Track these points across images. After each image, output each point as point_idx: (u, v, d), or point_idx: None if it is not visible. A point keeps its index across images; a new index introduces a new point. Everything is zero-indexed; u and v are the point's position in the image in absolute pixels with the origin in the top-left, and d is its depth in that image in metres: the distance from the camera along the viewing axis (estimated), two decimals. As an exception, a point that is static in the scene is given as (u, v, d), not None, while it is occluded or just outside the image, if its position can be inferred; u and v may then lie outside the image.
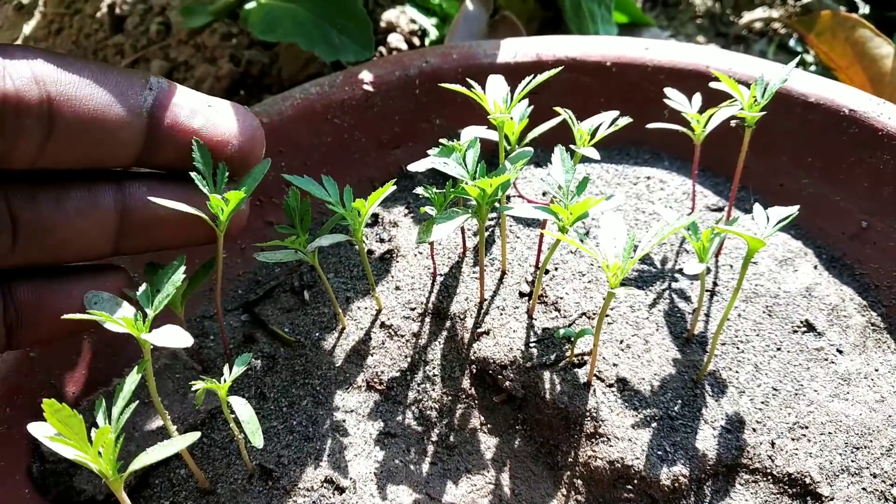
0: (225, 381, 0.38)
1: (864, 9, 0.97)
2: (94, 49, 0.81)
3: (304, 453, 0.43)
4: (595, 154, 0.42)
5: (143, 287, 0.37)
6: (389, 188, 0.41)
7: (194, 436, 0.34)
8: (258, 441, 0.37)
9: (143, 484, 0.43)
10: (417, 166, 0.43)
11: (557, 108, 0.43)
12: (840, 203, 0.52)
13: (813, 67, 0.87)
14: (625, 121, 0.43)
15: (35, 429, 0.32)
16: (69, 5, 0.86)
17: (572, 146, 0.43)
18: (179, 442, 0.34)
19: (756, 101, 0.42)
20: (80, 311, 0.35)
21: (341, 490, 0.41)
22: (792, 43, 0.92)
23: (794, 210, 0.40)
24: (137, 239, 0.40)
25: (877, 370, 0.45)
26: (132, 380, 0.34)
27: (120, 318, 0.35)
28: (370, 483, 0.42)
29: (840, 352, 0.45)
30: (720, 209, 0.53)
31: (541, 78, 0.42)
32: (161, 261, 0.41)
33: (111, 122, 0.36)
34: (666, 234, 0.36)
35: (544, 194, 0.54)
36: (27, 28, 0.91)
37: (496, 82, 0.45)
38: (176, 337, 0.35)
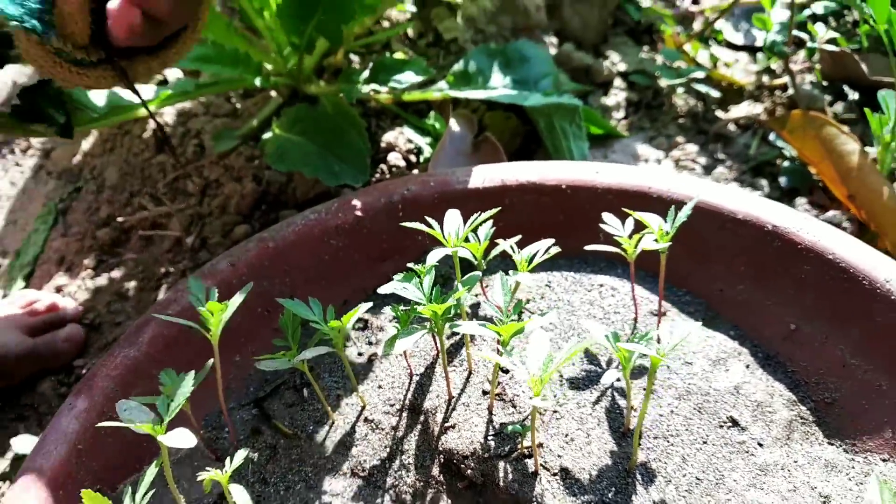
0: (226, 471, 0.47)
1: (853, 95, 1.04)
2: (140, 167, 0.95)
3: (294, 534, 0.51)
4: (529, 280, 0.50)
5: (160, 398, 0.47)
6: (359, 311, 0.50)
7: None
8: None
9: None
10: (386, 289, 0.52)
11: (498, 241, 0.52)
12: (771, 307, 0.58)
13: (789, 162, 0.94)
14: (555, 249, 0.51)
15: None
16: (120, 126, 1.01)
17: (511, 272, 0.52)
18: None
19: (666, 233, 0.50)
20: None
21: (321, 567, 0.49)
22: (772, 137, 0.99)
23: (693, 328, 0.47)
24: None
25: (795, 461, 0.50)
26: (151, 472, 0.43)
27: (143, 424, 0.44)
28: (347, 561, 0.49)
29: (761, 444, 0.51)
30: (664, 314, 0.60)
31: (486, 215, 0.52)
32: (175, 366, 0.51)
33: None
34: (578, 348, 0.44)
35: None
36: (86, 144, 1.06)
37: (452, 216, 0.54)
38: (183, 438, 0.44)
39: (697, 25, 1.20)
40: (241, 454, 0.48)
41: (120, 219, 0.94)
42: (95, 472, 0.54)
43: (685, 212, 0.51)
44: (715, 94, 0.97)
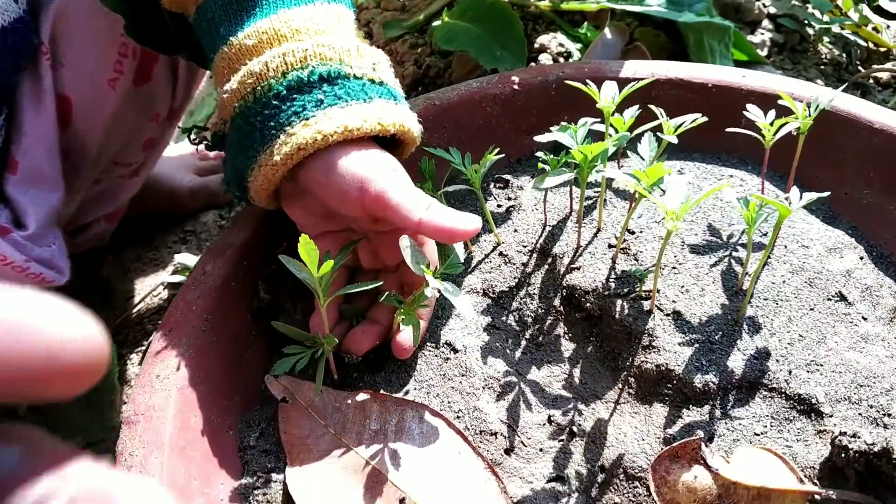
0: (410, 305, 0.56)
1: None
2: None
3: (433, 326, 0.60)
4: (674, 139, 0.56)
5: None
6: (496, 152, 0.59)
7: (378, 282, 0.52)
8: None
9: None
10: (542, 138, 0.60)
11: (651, 106, 0.58)
12: (893, 212, 0.62)
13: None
14: (701, 120, 0.57)
15: (284, 258, 0.51)
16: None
17: (661, 134, 0.58)
18: (369, 286, 0.52)
19: (809, 114, 0.55)
20: None
21: (455, 351, 0.57)
22: (914, 97, 0.99)
23: (823, 194, 0.52)
24: None
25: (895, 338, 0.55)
26: (352, 244, 0.52)
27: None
28: (476, 352, 0.58)
29: (864, 318, 0.56)
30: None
31: (641, 84, 0.58)
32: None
33: None
34: (712, 190, 0.50)
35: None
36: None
37: (609, 86, 0.61)
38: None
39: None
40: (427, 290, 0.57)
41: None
42: (276, 250, 0.65)
43: (827, 101, 0.55)
44: (862, 43, 0.98)
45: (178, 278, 0.84)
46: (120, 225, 0.88)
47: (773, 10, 1.04)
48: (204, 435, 0.52)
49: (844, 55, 1.01)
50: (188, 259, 0.92)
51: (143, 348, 0.85)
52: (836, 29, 0.97)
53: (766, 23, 1.03)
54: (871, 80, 0.98)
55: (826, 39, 1.01)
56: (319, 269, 0.49)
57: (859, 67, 1.00)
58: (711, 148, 0.71)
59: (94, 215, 0.84)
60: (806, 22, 1.01)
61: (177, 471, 0.48)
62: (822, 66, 0.99)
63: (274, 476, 0.51)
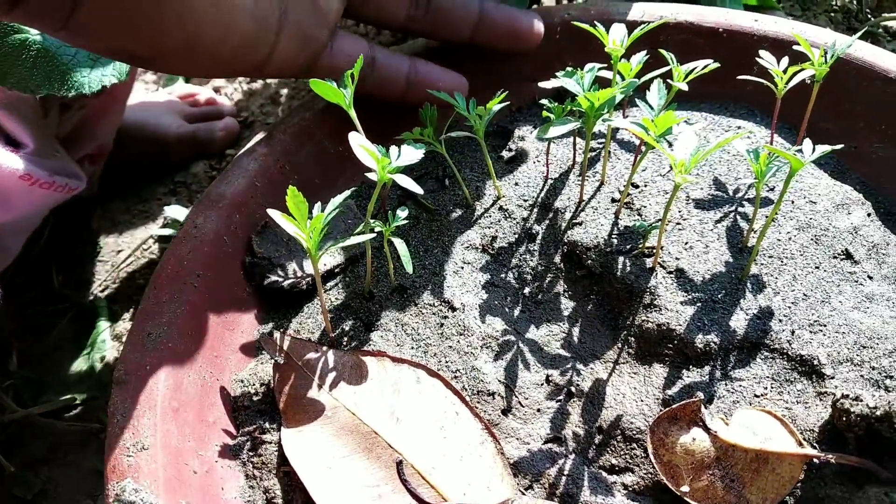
0: (389, 225, 0.54)
1: None
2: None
3: (431, 283, 0.58)
4: (684, 87, 0.54)
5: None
6: (503, 97, 0.56)
7: (372, 235, 0.50)
8: (410, 267, 0.53)
9: (326, 279, 0.60)
10: (546, 84, 0.57)
11: (662, 51, 0.55)
12: (904, 167, 0.60)
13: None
14: (714, 66, 0.54)
15: (272, 212, 0.50)
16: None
17: (669, 80, 0.55)
18: (362, 238, 0.50)
19: (825, 61, 0.52)
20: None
21: (454, 309, 0.56)
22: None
23: (836, 147, 0.50)
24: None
25: (901, 298, 0.54)
26: (343, 196, 0.50)
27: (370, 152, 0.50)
28: (475, 310, 0.57)
29: (870, 277, 0.55)
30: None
31: (650, 26, 0.55)
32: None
33: None
34: (722, 142, 0.48)
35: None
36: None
37: (617, 28, 0.58)
38: (409, 184, 0.50)
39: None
40: (402, 209, 0.55)
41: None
42: (269, 204, 0.63)
43: (845, 46, 0.53)
44: (875, -11, 0.94)
45: (168, 231, 0.82)
46: (107, 176, 0.85)
47: (785, -51, 0.99)
48: (197, 395, 0.51)
49: (855, 2, 0.97)
50: (178, 212, 0.89)
51: (135, 305, 0.84)
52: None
53: (777, -36, 0.98)
54: (881, 29, 0.95)
55: (839, -17, 0.97)
56: (310, 224, 0.47)
57: (869, 16, 0.96)
58: (720, 96, 0.69)
59: (77, 155, 0.81)
60: (818, -37, 0.97)
61: (170, 432, 0.47)
62: (832, 14, 0.96)
63: (268, 437, 0.51)
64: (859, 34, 0.53)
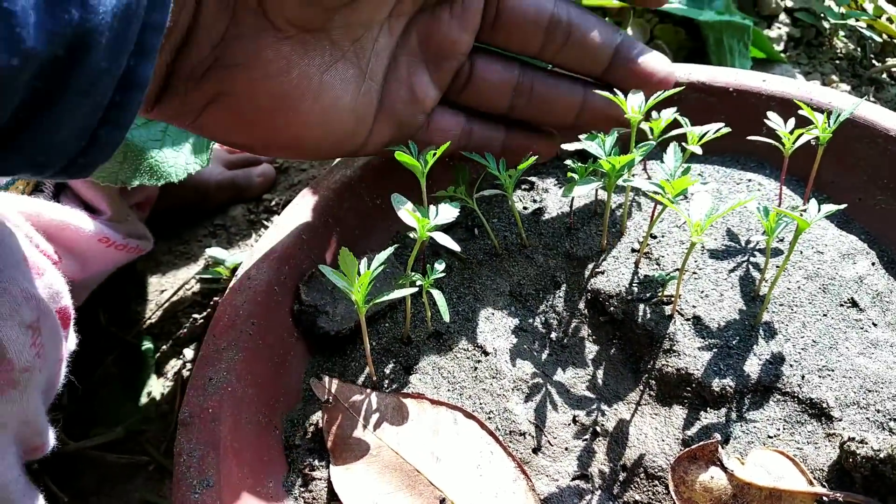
0: (428, 277, 0.59)
1: None
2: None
3: (465, 328, 0.63)
4: (698, 150, 0.59)
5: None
6: (531, 161, 0.61)
7: (414, 289, 0.55)
8: (447, 317, 0.57)
9: (368, 324, 0.65)
10: (570, 147, 0.62)
11: (677, 116, 0.60)
12: (905, 219, 0.64)
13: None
14: (725, 130, 0.59)
15: (324, 269, 0.54)
16: None
17: (684, 144, 0.60)
18: (405, 291, 0.55)
19: (828, 126, 0.57)
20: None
21: (486, 353, 0.61)
22: (928, 91, 1.00)
23: (841, 206, 0.55)
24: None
25: (904, 344, 0.58)
26: (387, 253, 0.55)
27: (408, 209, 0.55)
28: (506, 354, 0.61)
29: (875, 325, 0.59)
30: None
31: (667, 94, 0.60)
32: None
33: None
34: (735, 205, 0.52)
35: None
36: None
37: (635, 94, 0.63)
38: (447, 242, 0.55)
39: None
40: (439, 266, 0.60)
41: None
42: (315, 254, 0.68)
43: (847, 112, 0.57)
44: (877, 39, 0.99)
45: (209, 273, 0.87)
46: (151, 221, 0.91)
47: (789, 2, 1.04)
48: (254, 435, 0.55)
49: (859, 49, 1.02)
50: (219, 253, 0.95)
51: (176, 339, 0.89)
52: (851, 23, 0.98)
53: (783, 17, 1.03)
54: (885, 75, 0.99)
55: (841, 34, 1.02)
56: (358, 280, 0.52)
57: (873, 62, 1.01)
58: (731, 150, 0.74)
59: (128, 203, 0.87)
60: (822, 15, 1.02)
61: (231, 470, 0.52)
62: (837, 61, 1.01)
63: (317, 474, 0.55)
64: (860, 102, 0.57)
